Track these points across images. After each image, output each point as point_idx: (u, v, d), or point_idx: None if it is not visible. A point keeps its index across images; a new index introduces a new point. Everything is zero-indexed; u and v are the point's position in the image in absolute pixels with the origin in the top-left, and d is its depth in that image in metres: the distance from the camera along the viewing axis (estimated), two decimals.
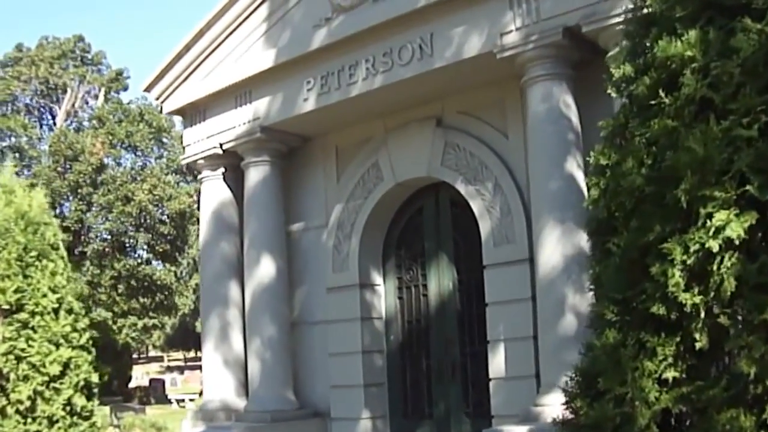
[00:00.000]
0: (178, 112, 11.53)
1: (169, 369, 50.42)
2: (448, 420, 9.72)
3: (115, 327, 35.90)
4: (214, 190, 11.40)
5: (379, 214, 10.34)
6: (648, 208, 3.90)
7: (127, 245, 35.43)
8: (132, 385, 37.92)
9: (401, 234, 10.46)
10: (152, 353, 57.39)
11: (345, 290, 10.35)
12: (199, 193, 11.96)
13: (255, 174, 10.69)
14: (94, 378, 8.77)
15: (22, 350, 7.84)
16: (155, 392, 34.00)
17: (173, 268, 36.26)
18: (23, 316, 7.88)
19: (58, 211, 35.10)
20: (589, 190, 4.42)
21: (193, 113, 11.29)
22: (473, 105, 9.57)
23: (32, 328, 7.93)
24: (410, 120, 9.99)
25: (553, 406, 7.56)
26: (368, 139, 10.47)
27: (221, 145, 10.87)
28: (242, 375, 11.06)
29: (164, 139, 37.06)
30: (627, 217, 4.02)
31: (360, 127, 10.44)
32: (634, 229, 3.93)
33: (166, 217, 34.84)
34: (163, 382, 37.01)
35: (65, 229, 34.26)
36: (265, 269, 10.52)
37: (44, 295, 8.09)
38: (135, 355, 51.62)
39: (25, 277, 8.02)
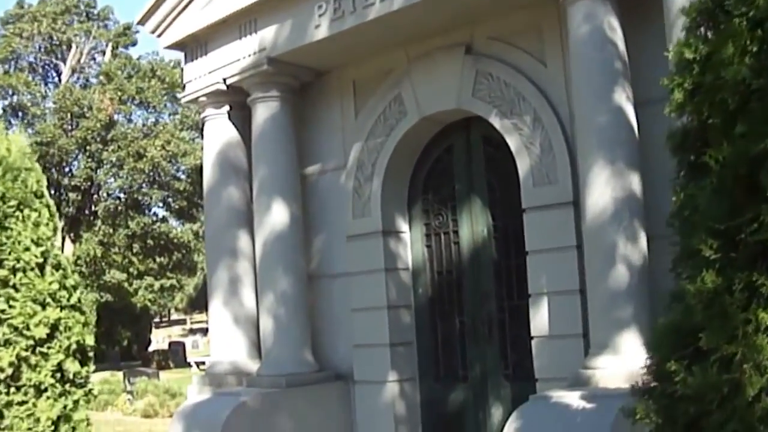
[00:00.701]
0: (178, 46, 10.59)
1: (192, 332, 50.07)
2: (485, 383, 8.90)
3: (131, 289, 35.45)
4: (219, 130, 10.53)
5: (403, 154, 9.46)
6: (757, 108, 3.01)
7: (142, 203, 34.89)
8: (152, 349, 37.60)
9: (428, 175, 9.57)
10: (175, 316, 57.08)
11: (367, 238, 9.50)
12: (203, 133, 11.10)
13: (263, 111, 9.79)
14: (89, 340, 8.01)
15: (2, 311, 7.07)
16: (175, 356, 33.56)
17: (191, 225, 35.69)
18: (3, 273, 7.06)
19: (66, 169, 34.56)
20: (671, 92, 3.51)
21: (194, 47, 10.38)
22: (506, 30, 8.60)
23: (14, 287, 7.09)
24: (436, 48, 9.04)
25: (605, 369, 6.77)
26: (389, 70, 9.53)
27: (225, 80, 9.96)
28: (254, 334, 10.27)
29: (177, 95, 36.39)
30: (728, 122, 3.12)
31: (379, 58, 9.50)
32: (739, 136, 3.04)
33: (181, 173, 34.24)
34: (183, 345, 36.57)
35: (74, 188, 33.82)
36: (277, 216, 9.68)
37: (26, 249, 7.25)
38: (157, 319, 51.41)
39: (4, 229, 7.22)
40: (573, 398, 6.47)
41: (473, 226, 9.03)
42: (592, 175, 7.12)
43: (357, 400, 9.59)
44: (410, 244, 9.60)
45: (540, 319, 8.01)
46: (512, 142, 8.36)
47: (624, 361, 6.74)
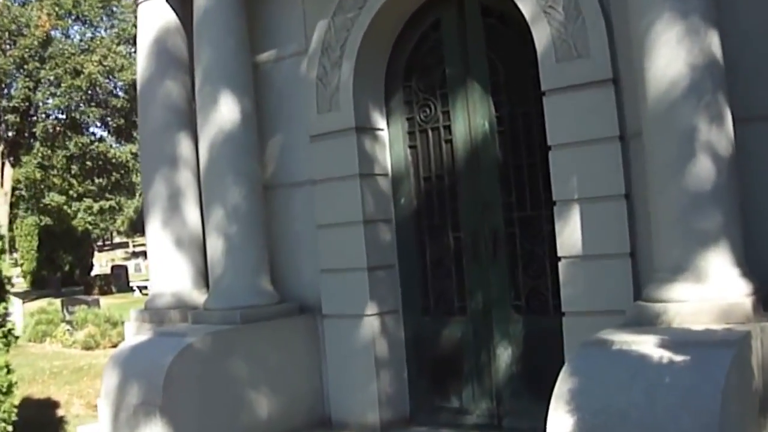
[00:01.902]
0: None
1: (135, 255, 47.55)
2: (488, 317, 6.90)
3: (70, 212, 32.97)
4: (155, 15, 8.35)
5: (379, 31, 7.27)
6: None
7: (80, 122, 32.29)
8: (94, 273, 35.25)
9: (411, 57, 7.39)
10: (117, 240, 54.41)
11: (336, 137, 7.36)
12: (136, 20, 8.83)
13: None
14: (4, 269, 6.15)
15: None
16: (117, 280, 31.21)
17: (130, 147, 33.17)
18: None
19: (5, 91, 31.89)
20: None
21: None
22: None
23: None
24: None
25: (685, 302, 4.81)
26: None
27: None
28: (201, 260, 8.18)
29: (114, 8, 33.76)
30: None
31: None
32: None
33: (119, 89, 31.64)
34: (126, 269, 34.16)
35: (13, 110, 31.10)
36: (225, 113, 7.48)
37: None
38: (100, 243, 48.80)
39: None
40: (647, 345, 4.43)
41: (470, 119, 6.93)
42: (654, 36, 5.01)
43: (326, 339, 7.54)
44: (389, 143, 7.47)
45: (569, 235, 5.99)
46: (526, 7, 6.22)
47: (712, 292, 4.77)
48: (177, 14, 8.33)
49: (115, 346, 13.49)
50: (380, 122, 7.43)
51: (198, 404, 6.71)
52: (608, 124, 5.81)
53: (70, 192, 32.51)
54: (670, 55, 4.94)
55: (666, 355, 4.29)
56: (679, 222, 4.93)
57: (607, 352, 4.51)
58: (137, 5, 8.50)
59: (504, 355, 6.78)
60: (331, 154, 7.39)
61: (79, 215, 32.26)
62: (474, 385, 6.96)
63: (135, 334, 8.07)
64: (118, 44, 31.63)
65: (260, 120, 7.86)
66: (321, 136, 7.47)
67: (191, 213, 8.26)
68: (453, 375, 7.08)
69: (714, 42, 4.98)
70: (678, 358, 4.23)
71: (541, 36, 6.11)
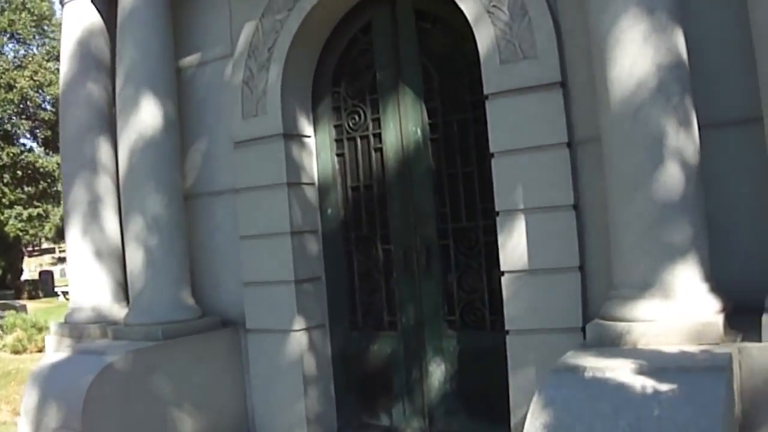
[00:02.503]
0: None
1: (61, 260, 44.94)
2: (420, 332, 5.79)
3: (2, 218, 30.67)
4: (79, 15, 7.02)
5: (309, 33, 6.10)
6: None
7: (11, 133, 30.08)
8: (24, 278, 32.97)
9: (341, 61, 6.23)
10: (45, 245, 51.45)
11: (262, 144, 6.15)
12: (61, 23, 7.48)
13: None
14: None
15: None
16: (45, 285, 29.06)
17: (56, 156, 31.07)
18: None
19: None
20: None
21: None
22: None
23: None
24: None
25: (653, 321, 3.78)
26: None
27: None
28: (121, 271, 6.88)
29: (45, 27, 31.66)
30: None
31: None
32: None
33: (47, 103, 29.61)
34: (51, 274, 31.92)
35: None
36: (146, 119, 6.21)
37: None
38: (29, 248, 46.00)
39: None
40: (624, 371, 3.42)
41: (402, 126, 5.82)
42: (617, 32, 4.03)
43: (251, 355, 6.31)
44: (316, 151, 6.30)
45: (513, 248, 4.93)
46: (468, 6, 5.15)
47: (681, 309, 3.80)
48: (101, 15, 7.02)
49: (41, 350, 12.05)
50: (307, 129, 6.26)
51: (119, 426, 5.42)
52: (556, 130, 4.80)
53: (3, 200, 30.19)
54: (636, 54, 3.96)
55: (649, 383, 3.28)
56: (646, 234, 3.94)
57: (581, 381, 3.47)
58: (63, 5, 7.14)
59: (437, 372, 5.68)
60: (256, 161, 6.18)
61: (11, 222, 29.90)
62: (405, 403, 5.84)
63: (55, 349, 6.71)
64: (48, 60, 29.54)
65: (183, 126, 6.59)
66: (246, 143, 6.26)
67: (111, 222, 6.94)
68: (383, 392, 5.95)
69: (680, 41, 4.04)
70: (664, 386, 3.23)
71: (485, 37, 5.05)
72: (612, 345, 3.89)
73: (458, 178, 5.57)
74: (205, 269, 6.63)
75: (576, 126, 4.79)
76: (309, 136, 6.26)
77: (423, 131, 5.72)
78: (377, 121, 5.97)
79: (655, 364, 3.45)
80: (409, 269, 5.77)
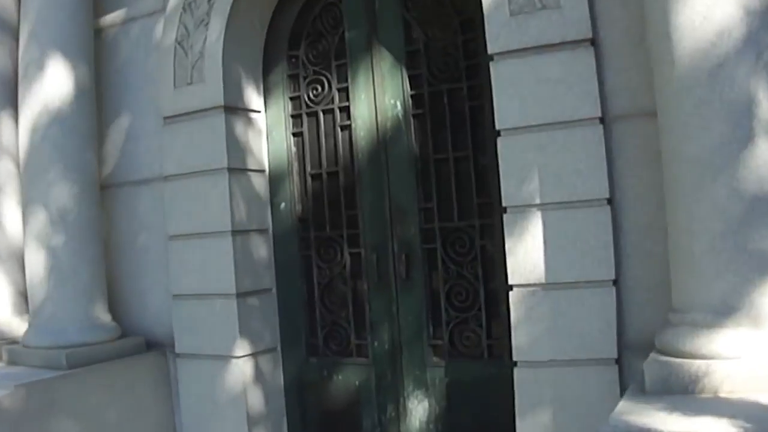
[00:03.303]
0: None
1: None
2: (397, 360, 4.66)
3: None
4: None
5: None
6: None
7: None
8: None
9: (300, 18, 5.07)
10: None
11: (197, 119, 4.97)
12: None
13: None
14: None
15: None
16: None
17: None
18: None
19: None
20: None
21: None
22: None
23: None
24: None
25: (741, 358, 2.67)
26: None
27: None
28: (23, 277, 5.62)
29: None
30: None
31: None
32: None
33: None
34: None
35: None
36: (53, 87, 5.02)
37: None
38: None
39: None
40: None
41: (377, 98, 4.69)
42: None
43: (181, 386, 5.13)
44: (267, 130, 5.15)
45: (526, 255, 3.85)
46: None
47: None
48: None
49: None
50: (256, 101, 5.10)
51: None
52: (584, 102, 3.72)
53: None
54: None
55: None
56: (727, 238, 2.88)
57: None
58: None
59: (418, 410, 4.58)
60: (190, 141, 5.01)
61: None
62: None
63: None
64: None
65: (101, 98, 5.41)
66: (177, 118, 5.08)
67: (11, 216, 5.69)
68: None
69: None
70: None
71: None
72: (684, 392, 2.83)
73: (449, 164, 4.47)
74: (126, 277, 5.45)
75: (611, 96, 3.73)
76: (258, 111, 5.11)
77: (404, 105, 4.60)
78: (345, 92, 4.84)
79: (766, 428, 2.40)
80: (384, 280, 4.66)
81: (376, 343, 4.70)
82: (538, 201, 3.80)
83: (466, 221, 4.40)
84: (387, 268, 4.64)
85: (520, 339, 3.88)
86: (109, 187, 5.54)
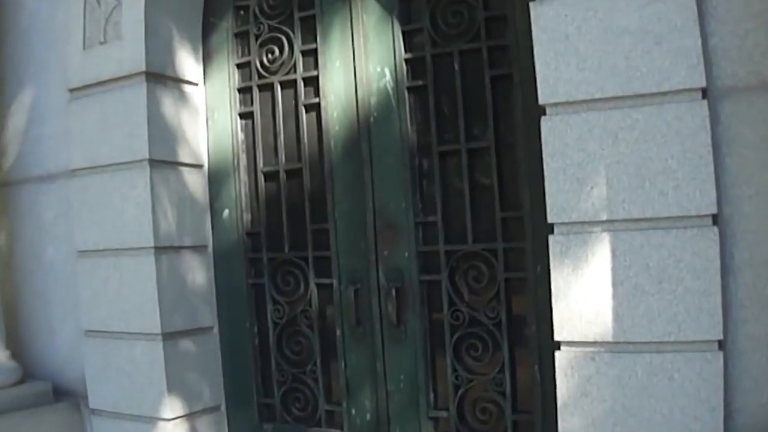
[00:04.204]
0: None
1: None
2: None
3: None
4: None
5: None
6: None
7: None
8: None
9: None
10: None
11: (112, 91, 3.64)
12: None
13: None
14: None
15: None
16: None
17: None
18: None
19: None
20: None
21: None
22: None
23: None
24: None
25: None
26: None
27: None
28: None
29: None
30: None
31: None
32: None
33: None
34: None
35: None
36: None
37: None
38: None
39: None
40: None
41: (357, 64, 3.34)
42: None
43: None
44: (207, 109, 3.80)
45: (582, 297, 2.53)
46: None
47: None
48: None
49: None
50: (192, 70, 3.76)
51: None
52: (681, 64, 2.41)
53: None
54: None
55: None
56: None
57: None
58: None
59: None
60: (102, 122, 3.68)
61: None
62: None
63: None
64: None
65: (1, 68, 4.08)
66: (88, 90, 3.76)
67: None
68: None
69: None
70: None
71: None
72: None
73: (460, 159, 3.14)
74: (30, 302, 4.16)
75: (718, 58, 2.43)
76: (194, 83, 3.78)
77: (396, 74, 3.27)
78: (312, 57, 3.51)
79: None
80: (365, 324, 3.33)
81: (353, 411, 3.38)
82: (604, 217, 2.49)
83: (484, 243, 3.08)
84: (369, 307, 3.31)
85: (570, 423, 2.58)
86: (8, 184, 4.26)
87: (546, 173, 2.57)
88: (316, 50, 3.46)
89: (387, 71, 3.27)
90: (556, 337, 2.62)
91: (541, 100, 2.57)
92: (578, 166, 2.51)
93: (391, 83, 3.26)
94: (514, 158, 2.98)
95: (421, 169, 3.21)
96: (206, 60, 3.80)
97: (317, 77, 3.45)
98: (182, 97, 3.70)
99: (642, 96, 2.45)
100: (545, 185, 2.58)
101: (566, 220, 2.54)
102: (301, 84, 3.51)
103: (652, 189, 2.45)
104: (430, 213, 3.19)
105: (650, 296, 2.47)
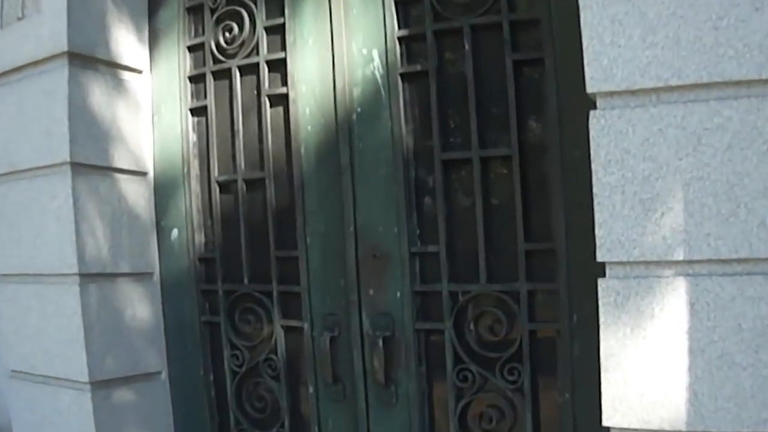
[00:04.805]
0: None
1: None
2: None
3: None
4: None
5: None
6: None
7: None
8: None
9: None
10: None
11: (29, 78, 2.91)
12: None
13: None
14: None
15: None
16: None
17: None
18: None
19: None
20: None
21: None
22: None
23: None
24: None
25: None
26: None
27: None
28: None
29: None
30: None
31: None
32: None
33: None
34: None
35: None
36: None
37: None
38: None
39: None
40: None
41: (337, 45, 2.59)
42: None
43: None
44: (153, 103, 3.05)
45: (645, 366, 1.78)
46: None
47: None
48: None
49: None
50: (133, 53, 3.02)
51: None
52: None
53: None
54: None
55: None
56: None
57: None
58: None
59: None
60: (17, 116, 2.96)
61: None
62: None
63: None
64: None
65: None
66: (4, 79, 3.03)
67: None
68: None
69: None
70: None
71: None
72: None
73: (471, 171, 2.39)
74: None
75: None
76: (137, 70, 3.03)
77: (386, 57, 2.51)
78: (279, 35, 2.75)
79: None
80: (345, 383, 2.58)
81: None
82: (680, 256, 1.75)
83: (502, 283, 2.33)
84: (350, 360, 2.57)
85: None
86: None
87: (595, 191, 1.82)
88: (283, 26, 2.71)
89: (375, 53, 2.52)
90: (606, 422, 1.87)
91: (589, 88, 1.82)
92: (643, 182, 1.77)
93: (381, 69, 2.51)
94: (544, 170, 2.24)
95: (419, 182, 2.46)
96: (153, 41, 3.05)
97: (284, 60, 2.71)
98: (120, 86, 2.96)
99: (737, 84, 1.71)
100: (594, 209, 1.84)
101: (625, 259, 1.79)
102: (264, 69, 2.76)
103: (751, 217, 1.70)
104: (430, 241, 2.44)
105: (742, 370, 1.73)
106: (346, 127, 2.56)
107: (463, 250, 2.39)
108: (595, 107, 1.83)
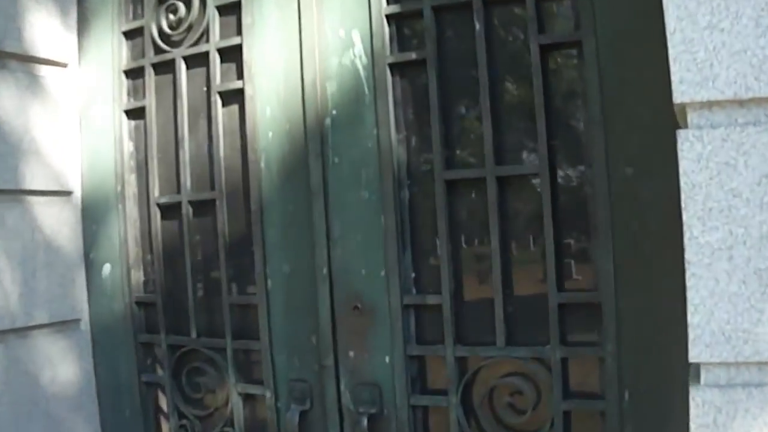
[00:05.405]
0: None
1: None
2: None
3: None
4: None
5: None
6: None
7: None
8: None
9: None
10: None
11: None
12: None
13: None
14: None
15: None
16: None
17: None
18: None
19: None
20: None
21: None
22: None
23: None
24: None
25: None
26: None
27: None
28: None
29: None
30: None
31: None
32: None
33: None
34: None
35: None
36: None
37: None
38: None
39: None
40: None
41: (306, 28, 2.01)
42: None
43: None
44: (83, 106, 2.46)
45: None
46: None
47: None
48: None
49: None
50: (55, 43, 2.43)
51: None
52: None
53: None
54: None
55: None
56: None
57: None
58: None
59: None
60: None
61: None
62: None
63: None
64: None
65: None
66: None
67: None
68: None
69: None
70: None
71: None
72: None
73: (484, 194, 1.79)
74: None
75: None
76: (60, 64, 2.45)
77: (371, 41, 1.94)
78: (234, 16, 2.17)
79: None
80: None
81: None
82: None
83: (527, 346, 1.74)
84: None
85: None
86: None
87: (688, 256, 1.24)
88: (239, 4, 2.12)
89: (356, 36, 1.93)
90: None
91: (678, 97, 1.22)
92: (763, 243, 1.17)
93: (363, 58, 1.92)
94: (584, 194, 1.66)
95: (415, 210, 1.87)
96: (81, 27, 2.46)
97: (240, 47, 2.12)
98: (35, 85, 2.37)
99: None
100: (685, 283, 1.24)
101: (732, 360, 1.23)
102: (215, 59, 2.17)
103: None
104: (429, 288, 1.85)
105: None
106: (318, 135, 1.97)
107: (474, 302, 1.80)
108: (685, 125, 1.24)
